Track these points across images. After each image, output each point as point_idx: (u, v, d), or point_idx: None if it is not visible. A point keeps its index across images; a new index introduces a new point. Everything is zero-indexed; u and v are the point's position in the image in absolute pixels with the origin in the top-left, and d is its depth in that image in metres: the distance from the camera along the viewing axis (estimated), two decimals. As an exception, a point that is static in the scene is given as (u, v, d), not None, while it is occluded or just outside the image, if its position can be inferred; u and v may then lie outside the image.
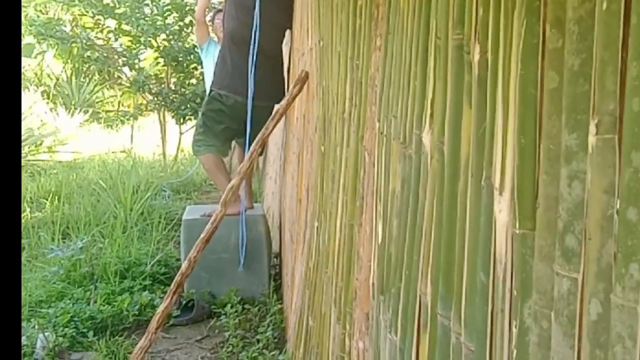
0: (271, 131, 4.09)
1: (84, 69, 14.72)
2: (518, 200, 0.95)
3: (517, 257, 0.96)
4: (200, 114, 4.98)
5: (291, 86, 3.94)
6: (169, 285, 3.93)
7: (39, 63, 16.13)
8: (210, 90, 4.79)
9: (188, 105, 9.21)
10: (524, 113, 0.94)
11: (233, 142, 5.48)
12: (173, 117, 9.74)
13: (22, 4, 14.85)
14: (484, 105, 1.08)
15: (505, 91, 1.00)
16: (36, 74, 16.27)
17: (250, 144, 4.20)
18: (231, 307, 4.45)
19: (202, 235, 3.81)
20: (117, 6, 9.41)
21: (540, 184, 0.90)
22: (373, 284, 1.80)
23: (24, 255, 5.80)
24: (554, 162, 0.86)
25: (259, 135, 4.00)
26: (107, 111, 15.73)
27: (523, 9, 0.94)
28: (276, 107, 4.13)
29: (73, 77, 15.13)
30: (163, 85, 9.73)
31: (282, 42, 4.89)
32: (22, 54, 15.48)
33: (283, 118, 4.37)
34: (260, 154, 5.17)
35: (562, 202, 0.84)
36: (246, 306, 4.53)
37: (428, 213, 1.34)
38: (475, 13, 1.14)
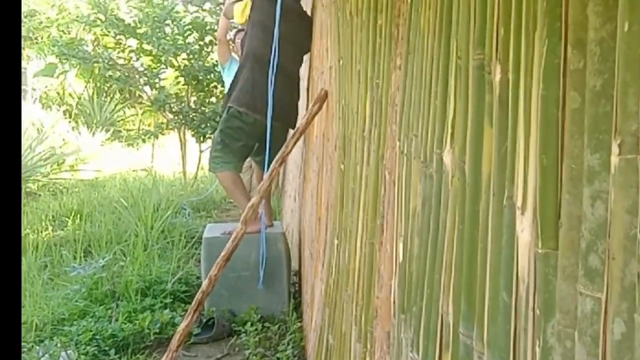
0: (291, 150, 4.11)
1: (106, 88, 14.88)
2: (540, 220, 0.95)
3: (540, 277, 0.96)
4: (218, 131, 4.98)
5: (310, 105, 3.96)
6: (190, 303, 3.94)
7: (61, 82, 16.34)
8: (229, 108, 4.80)
9: (208, 124, 9.26)
10: (546, 133, 0.94)
11: (251, 161, 5.50)
12: (193, 135, 9.80)
13: (45, 24, 15.09)
14: (505, 125, 1.09)
15: (527, 111, 1.01)
16: (58, 94, 16.49)
17: (269, 163, 4.21)
18: (251, 325, 4.45)
19: (222, 254, 3.83)
20: (139, 26, 9.51)
21: (562, 203, 0.91)
22: (394, 302, 1.80)
23: (46, 273, 5.85)
24: (577, 182, 0.87)
25: (279, 154, 4.02)
26: (128, 130, 15.86)
27: (544, 29, 0.95)
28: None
29: (95, 96, 15.30)
30: (183, 104, 9.80)
31: (301, 61, 4.92)
32: (45, 73, 15.72)
33: (302, 136, 4.38)
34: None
35: (585, 221, 0.84)
36: (266, 324, 4.53)
37: (449, 232, 1.34)
38: (496, 33, 1.15)
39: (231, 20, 5.83)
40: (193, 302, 3.75)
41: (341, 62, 3.07)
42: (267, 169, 4.19)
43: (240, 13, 5.00)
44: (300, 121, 4.03)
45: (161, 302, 4.93)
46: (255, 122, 4.66)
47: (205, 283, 3.81)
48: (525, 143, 1.01)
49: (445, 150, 1.40)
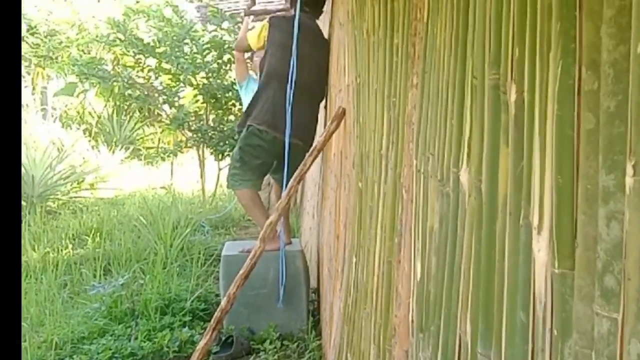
0: (309, 167, 4.12)
1: (125, 106, 15.00)
2: (557, 240, 0.95)
3: (556, 297, 0.96)
4: (237, 148, 5.00)
5: (328, 123, 3.98)
6: (209, 321, 3.95)
7: (81, 101, 16.51)
8: (249, 126, 4.82)
9: (226, 142, 9.31)
10: (561, 153, 0.95)
11: (270, 179, 5.52)
12: (212, 153, 9.86)
13: (65, 44, 15.27)
14: (521, 145, 1.09)
15: (542, 131, 1.01)
16: (78, 112, 16.66)
17: (287, 181, 4.23)
18: (270, 343, 4.45)
19: (241, 272, 3.84)
20: (158, 45, 9.60)
21: (578, 223, 0.91)
22: (412, 321, 1.80)
23: (66, 291, 5.89)
24: (592, 202, 0.87)
25: (297, 172, 4.03)
26: (147, 148, 15.98)
27: (559, 50, 0.96)
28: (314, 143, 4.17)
29: (114, 115, 15.44)
30: (202, 122, 9.87)
31: (320, 80, 4.94)
32: (65, 92, 15.89)
33: (320, 154, 4.40)
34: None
35: (601, 242, 0.84)
36: (285, 342, 4.52)
37: (467, 251, 1.34)
38: (511, 53, 1.16)
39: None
40: (212, 320, 3.76)
41: (359, 80, 3.08)
42: (286, 186, 4.21)
43: (256, 39, 5.04)
44: (318, 139, 4.05)
45: (180, 320, 4.94)
46: (275, 140, 4.68)
47: (224, 301, 3.82)
48: (541, 163, 1.01)
49: (461, 169, 1.40)
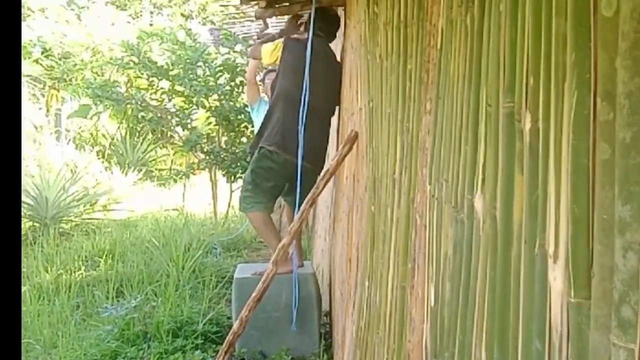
0: (321, 190, 4.12)
1: (138, 128, 15.09)
2: (573, 269, 0.95)
3: (573, 326, 0.96)
4: (248, 170, 5.01)
5: (340, 146, 3.99)
6: (221, 344, 3.95)
7: (95, 123, 16.61)
8: (260, 148, 4.83)
9: (239, 164, 9.33)
10: (577, 183, 0.95)
11: (282, 201, 5.53)
12: (224, 175, 9.87)
13: (80, 66, 15.40)
14: (536, 173, 1.10)
15: (557, 160, 1.02)
16: (92, 134, 16.75)
17: (299, 203, 4.23)
18: (282, 366, 4.44)
19: (253, 295, 3.84)
20: (171, 68, 9.66)
21: (594, 253, 0.91)
22: (426, 347, 1.80)
23: (78, 314, 5.89)
24: (608, 233, 0.87)
25: (310, 195, 4.04)
26: (160, 170, 16.02)
27: (574, 80, 0.96)
28: (326, 166, 4.18)
29: (127, 137, 15.51)
30: (214, 144, 9.90)
31: (332, 103, 4.96)
32: (79, 114, 16.00)
33: (332, 177, 4.41)
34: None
35: (617, 272, 0.84)
36: (297, 366, 4.51)
37: (481, 278, 1.34)
38: (525, 82, 1.16)
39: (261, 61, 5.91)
40: (224, 344, 3.76)
41: (371, 105, 3.10)
42: (298, 209, 4.21)
43: (269, 54, 5.07)
44: (330, 162, 4.06)
45: (192, 343, 4.93)
46: (286, 163, 4.70)
47: (236, 324, 3.82)
48: (556, 192, 1.02)
49: (476, 196, 1.41)
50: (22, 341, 5.22)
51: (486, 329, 1.31)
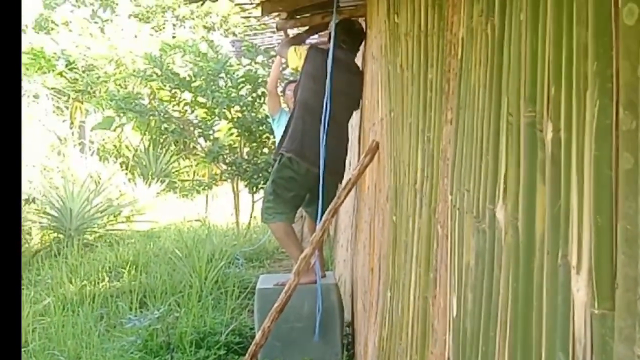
0: (343, 201, 4.12)
1: (161, 140, 15.19)
2: (596, 280, 0.94)
3: (596, 338, 0.95)
4: (269, 181, 5.02)
5: (362, 156, 3.99)
6: (243, 354, 3.95)
7: (118, 135, 16.75)
8: (281, 156, 4.84)
9: (260, 174, 9.36)
10: (599, 193, 0.94)
11: (303, 211, 5.53)
12: (246, 186, 9.90)
13: (103, 79, 15.55)
14: (558, 183, 1.09)
15: (579, 170, 1.01)
16: (115, 146, 16.89)
17: (321, 213, 4.23)
18: (305, 377, 4.43)
19: (275, 305, 3.84)
20: (193, 80, 9.73)
21: (618, 264, 0.90)
22: (448, 358, 1.78)
23: (102, 324, 5.93)
24: (632, 243, 0.86)
25: (331, 205, 4.03)
26: (182, 181, 16.11)
27: (596, 89, 0.96)
28: (346, 176, 4.17)
29: (150, 149, 15.62)
30: (236, 155, 9.94)
31: (352, 113, 4.97)
32: (102, 126, 16.15)
33: (354, 187, 4.40)
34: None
35: (642, 283, 0.83)
36: (320, 376, 4.50)
37: (504, 289, 1.33)
38: (547, 91, 1.16)
39: (282, 71, 5.92)
40: (246, 355, 3.76)
41: (392, 114, 3.09)
42: (319, 219, 4.21)
43: (296, 57, 5.03)
44: (352, 172, 4.05)
45: (215, 353, 4.94)
46: (307, 172, 4.70)
47: (258, 335, 3.82)
48: (579, 202, 1.01)
49: (497, 206, 1.40)
50: (47, 352, 5.27)
51: (509, 341, 1.29)
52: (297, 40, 5.43)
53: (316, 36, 6.80)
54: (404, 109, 2.72)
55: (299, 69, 5.02)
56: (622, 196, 0.89)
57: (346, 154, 4.98)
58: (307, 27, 5.51)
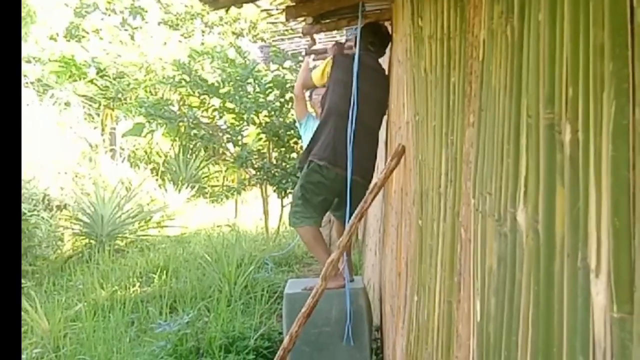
0: (370, 204, 4.11)
1: (191, 146, 15.29)
2: (615, 283, 0.93)
3: (616, 342, 0.93)
4: (298, 185, 5.02)
5: (388, 159, 3.97)
6: (272, 359, 3.95)
7: (149, 141, 16.89)
8: (310, 162, 4.84)
9: (289, 179, 9.37)
10: (617, 195, 0.93)
11: (331, 215, 5.53)
12: (275, 190, 9.93)
13: (133, 86, 15.70)
14: (576, 185, 1.07)
15: (597, 171, 1.00)
16: (146, 152, 17.04)
17: (349, 218, 4.22)
18: (333, 382, 4.42)
19: (303, 310, 3.84)
20: (222, 86, 9.78)
21: (637, 267, 0.88)
22: (473, 363, 1.77)
23: (133, 329, 5.98)
24: (650, 246, 0.85)
25: (358, 209, 4.02)
26: (212, 186, 16.20)
27: (612, 90, 0.94)
28: (374, 180, 4.17)
29: (180, 154, 15.73)
30: (265, 160, 9.96)
31: (381, 118, 4.96)
32: (133, 133, 16.30)
33: (381, 191, 4.39)
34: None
35: (659, 287, 0.82)
36: (348, 381, 4.49)
37: (525, 293, 1.32)
38: (565, 93, 1.14)
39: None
40: (275, 359, 3.76)
41: (417, 118, 3.08)
42: (347, 223, 4.20)
43: (320, 75, 5.08)
44: (378, 176, 4.05)
45: (244, 358, 4.96)
46: (336, 177, 4.70)
47: (286, 340, 3.82)
48: (597, 204, 0.99)
49: (518, 209, 1.39)
50: (78, 357, 5.32)
51: (531, 346, 1.28)
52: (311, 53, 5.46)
53: (343, 39, 6.82)
54: (428, 112, 2.71)
55: (325, 83, 5.03)
56: None
57: (376, 158, 4.97)
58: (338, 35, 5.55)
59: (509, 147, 1.46)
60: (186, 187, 14.23)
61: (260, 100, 9.54)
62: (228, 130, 10.26)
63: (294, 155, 9.78)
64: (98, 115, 16.46)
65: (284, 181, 9.49)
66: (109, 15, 18.98)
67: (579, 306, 1.05)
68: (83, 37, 17.73)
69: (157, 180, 14.77)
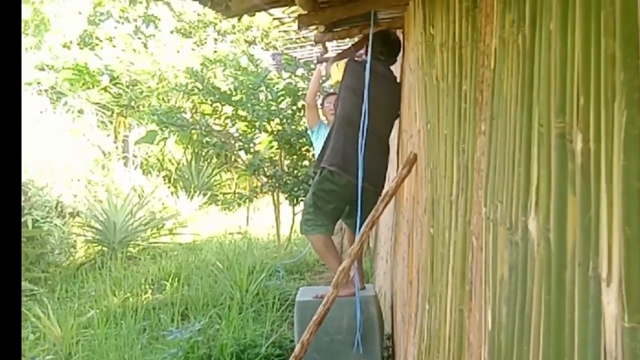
0: (381, 212, 4.11)
1: (203, 153, 15.33)
2: (626, 293, 0.93)
3: (627, 352, 0.93)
4: (310, 193, 5.02)
5: (400, 167, 3.97)
6: (283, 367, 3.95)
7: (161, 149, 16.95)
8: (322, 169, 4.84)
9: (301, 187, 9.38)
10: (629, 204, 0.93)
11: (342, 223, 5.52)
12: (286, 198, 9.94)
13: (146, 93, 15.77)
14: (588, 194, 1.07)
15: (608, 181, 1.00)
16: (158, 160, 17.09)
17: (360, 226, 4.22)
18: (344, 390, 4.41)
19: (314, 318, 3.83)
20: (234, 93, 9.81)
21: (647, 276, 0.88)
22: (485, 372, 1.77)
23: (145, 337, 5.99)
24: (660, 255, 0.85)
25: (370, 217, 4.02)
26: (224, 193, 16.22)
27: (623, 99, 0.94)
28: (385, 188, 4.16)
29: (193, 162, 15.77)
30: (277, 168, 9.97)
31: (392, 125, 4.96)
32: (146, 140, 16.36)
33: (392, 199, 4.39)
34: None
35: (671, 296, 0.81)
36: (359, 390, 4.48)
37: (536, 302, 1.31)
38: (576, 102, 1.14)
39: (322, 84, 5.94)
40: (285, 367, 3.76)
41: (429, 126, 3.08)
42: (359, 231, 4.20)
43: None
44: (390, 184, 4.05)
45: (255, 366, 4.96)
46: (348, 184, 4.70)
47: (297, 348, 3.82)
48: (609, 213, 0.99)
49: (530, 218, 1.38)
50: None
51: (542, 354, 1.28)
52: (343, 57, 5.46)
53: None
54: (440, 121, 2.71)
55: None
56: (650, 207, 0.88)
57: (387, 166, 4.97)
58: (350, 43, 5.56)
59: (521, 156, 1.46)
60: (198, 195, 14.26)
61: (272, 108, 9.57)
62: (240, 137, 10.29)
63: (306, 163, 9.79)
64: (111, 122, 16.53)
65: (295, 189, 9.50)
66: (123, 23, 19.09)
67: (590, 315, 1.05)
68: (96, 45, 17.83)
69: (169, 187, 14.81)
